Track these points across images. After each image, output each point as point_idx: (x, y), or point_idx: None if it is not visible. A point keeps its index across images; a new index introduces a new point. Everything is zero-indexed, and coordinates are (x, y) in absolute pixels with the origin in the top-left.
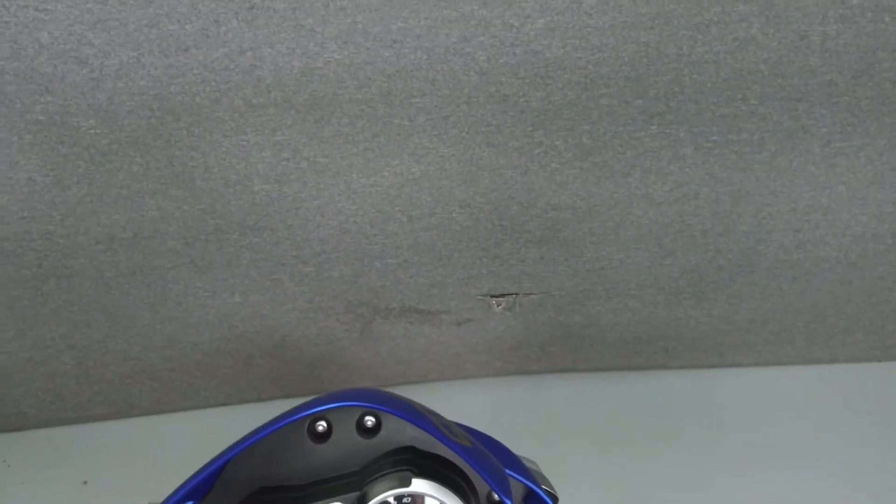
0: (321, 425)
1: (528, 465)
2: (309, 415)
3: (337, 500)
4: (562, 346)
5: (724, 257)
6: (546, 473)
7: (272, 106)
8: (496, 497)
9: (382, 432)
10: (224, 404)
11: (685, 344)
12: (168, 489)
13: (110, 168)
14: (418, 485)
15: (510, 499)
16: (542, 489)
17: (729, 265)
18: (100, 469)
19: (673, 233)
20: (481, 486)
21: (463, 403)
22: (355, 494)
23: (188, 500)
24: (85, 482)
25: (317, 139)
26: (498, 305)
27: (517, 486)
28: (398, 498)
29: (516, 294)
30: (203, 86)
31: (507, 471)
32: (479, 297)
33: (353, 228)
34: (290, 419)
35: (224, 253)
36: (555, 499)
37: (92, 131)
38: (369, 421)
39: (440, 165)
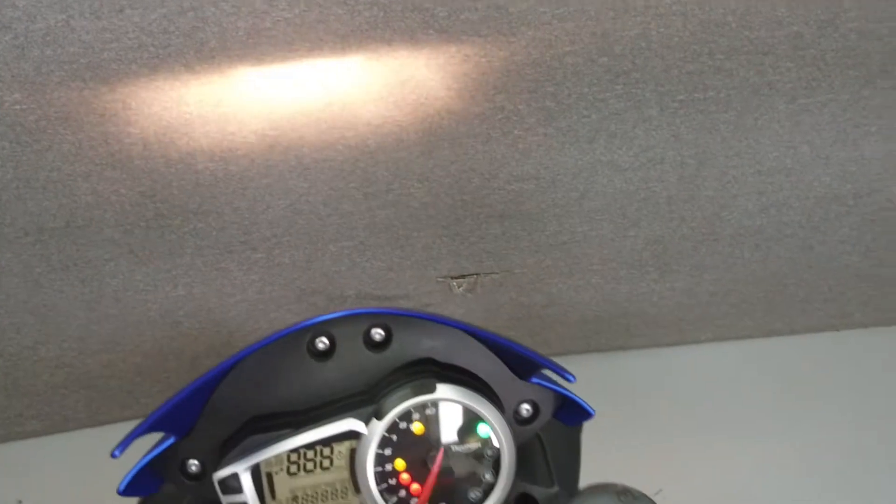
0: (322, 342)
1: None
2: (307, 327)
3: (349, 416)
4: (522, 330)
5: (689, 225)
6: None
7: (216, 73)
8: (524, 412)
9: (394, 345)
10: None
11: (646, 321)
12: None
13: (38, 148)
14: (444, 391)
15: (571, 374)
16: (579, 397)
17: (693, 234)
18: (35, 488)
19: (638, 201)
20: (508, 399)
21: None
22: (369, 409)
23: (166, 433)
24: (20, 502)
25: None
26: (459, 287)
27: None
28: (419, 408)
29: (477, 274)
30: (140, 52)
31: (539, 381)
32: (439, 279)
33: (306, 208)
34: (285, 332)
35: (166, 241)
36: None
37: (17, 107)
38: (377, 334)
39: (398, 136)
